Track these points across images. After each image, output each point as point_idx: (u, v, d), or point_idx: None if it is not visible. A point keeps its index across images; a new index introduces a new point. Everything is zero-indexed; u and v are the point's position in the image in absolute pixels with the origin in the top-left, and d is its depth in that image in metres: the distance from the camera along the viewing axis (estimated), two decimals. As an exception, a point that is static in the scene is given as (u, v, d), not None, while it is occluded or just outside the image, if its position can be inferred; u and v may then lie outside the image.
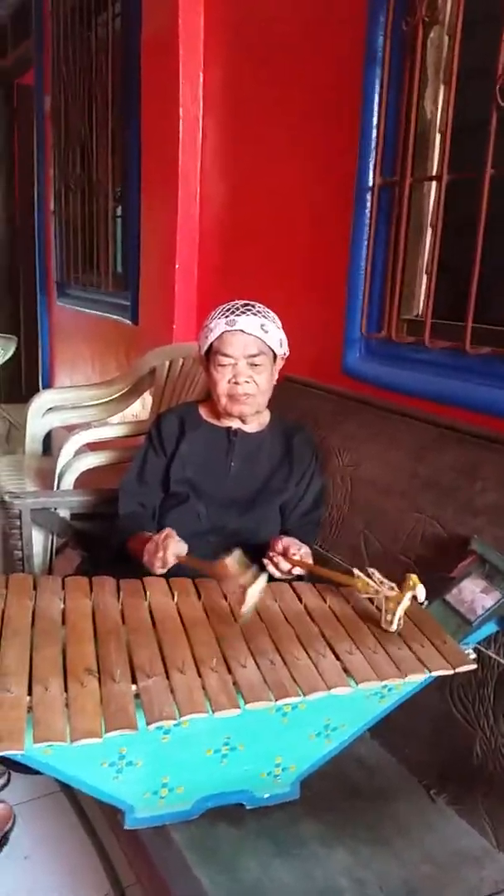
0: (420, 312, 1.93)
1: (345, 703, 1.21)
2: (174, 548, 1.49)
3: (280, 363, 1.79)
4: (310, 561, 1.57)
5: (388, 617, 1.29)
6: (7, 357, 3.52)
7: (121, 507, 1.78)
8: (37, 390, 3.84)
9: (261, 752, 1.27)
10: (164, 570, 1.49)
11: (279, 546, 1.54)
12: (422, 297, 1.94)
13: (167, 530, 1.55)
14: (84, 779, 1.18)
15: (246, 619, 1.28)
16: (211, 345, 1.71)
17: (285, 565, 1.52)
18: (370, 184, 1.94)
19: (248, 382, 1.70)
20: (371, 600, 1.37)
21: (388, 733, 1.49)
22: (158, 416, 1.89)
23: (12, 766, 1.51)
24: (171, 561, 1.48)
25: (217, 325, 1.69)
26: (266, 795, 1.32)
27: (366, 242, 1.97)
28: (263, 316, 1.71)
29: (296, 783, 1.34)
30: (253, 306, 1.72)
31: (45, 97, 4.19)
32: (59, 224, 4.16)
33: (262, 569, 1.42)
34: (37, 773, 1.28)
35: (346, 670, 1.20)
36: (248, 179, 2.54)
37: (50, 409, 2.88)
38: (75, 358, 4.19)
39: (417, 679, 1.21)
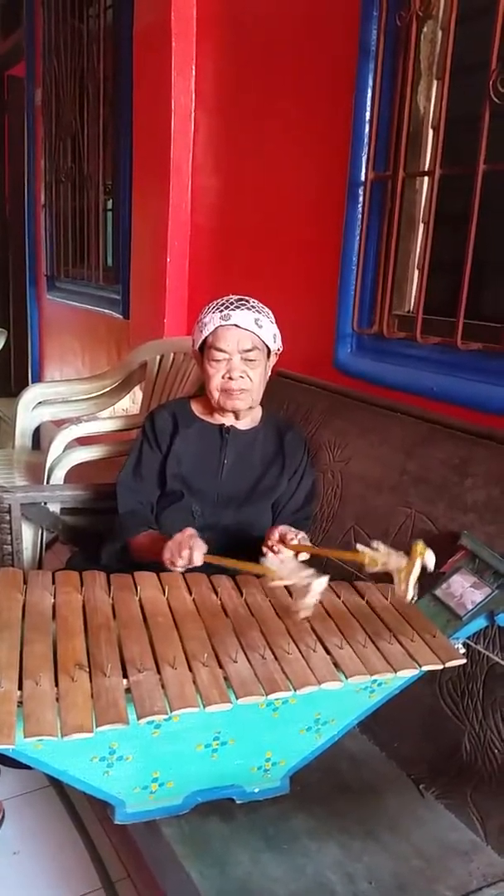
0: (411, 308, 1.93)
1: (335, 698, 1.22)
2: (201, 548, 1.47)
3: (274, 359, 1.79)
4: (309, 545, 1.56)
5: (402, 586, 1.26)
6: (-3, 350, 3.50)
7: (120, 505, 1.76)
8: (26, 384, 3.82)
9: (251, 747, 1.27)
10: (182, 570, 1.48)
11: (276, 534, 1.53)
12: (413, 293, 1.94)
13: (190, 530, 1.52)
14: (74, 773, 1.17)
15: (307, 611, 1.26)
16: (205, 339, 1.71)
17: (287, 552, 1.51)
18: (362, 178, 1.93)
19: (242, 377, 1.70)
20: (360, 593, 1.37)
21: (378, 728, 1.49)
22: (152, 411, 1.89)
23: (2, 760, 1.50)
24: (199, 561, 1.45)
25: (211, 320, 1.69)
26: (256, 790, 1.32)
27: (358, 237, 1.97)
28: (258, 311, 1.71)
29: (286, 778, 1.34)
30: (247, 301, 1.72)
31: (35, 89, 4.16)
32: (50, 217, 4.14)
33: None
34: (26, 767, 1.28)
35: (336, 665, 1.20)
36: (239, 173, 2.53)
37: (39, 403, 2.87)
38: (65, 352, 4.17)
39: (407, 674, 1.21)
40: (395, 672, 1.20)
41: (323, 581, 1.26)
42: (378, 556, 1.29)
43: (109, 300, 3.40)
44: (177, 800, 1.28)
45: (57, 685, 1.11)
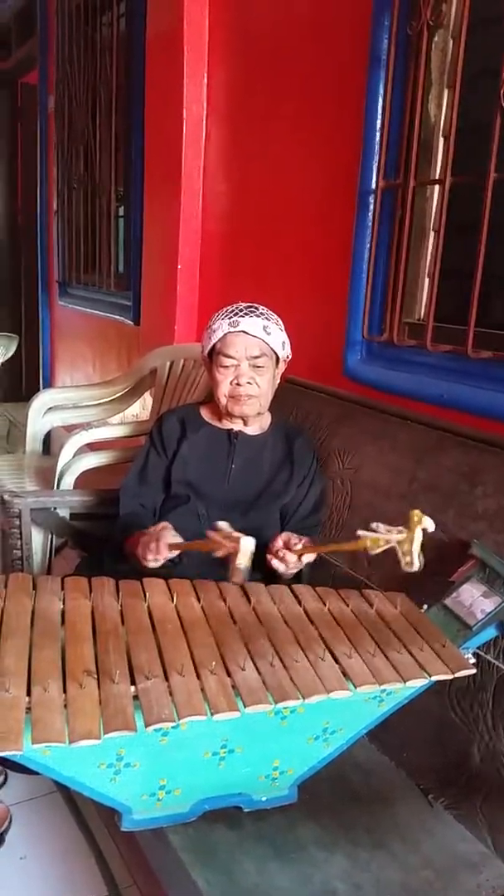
0: (422, 316, 1.93)
1: (343, 707, 1.21)
2: (167, 538, 1.50)
3: (282, 366, 1.79)
4: (311, 546, 1.55)
5: (407, 559, 1.25)
6: (8, 356, 3.51)
7: (122, 508, 1.78)
8: (37, 390, 3.84)
9: (259, 755, 1.27)
10: (158, 564, 1.49)
11: (279, 541, 1.54)
12: (424, 301, 1.94)
13: (163, 523, 1.56)
14: (82, 780, 1.17)
15: (244, 572, 1.28)
16: (214, 346, 1.72)
17: (291, 557, 1.50)
18: (373, 186, 1.93)
19: (249, 384, 1.70)
20: (370, 602, 1.37)
21: (387, 737, 1.49)
22: (160, 416, 1.89)
23: (10, 765, 1.51)
24: (165, 552, 1.48)
25: (220, 327, 1.70)
26: (264, 798, 1.32)
27: (368, 245, 1.97)
28: (266, 318, 1.72)
29: (294, 786, 1.34)
30: (256, 308, 1.72)
31: (48, 96, 4.19)
32: (62, 223, 4.16)
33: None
34: (34, 773, 1.28)
35: (344, 674, 1.19)
36: (251, 181, 2.54)
37: (50, 408, 2.88)
38: (76, 357, 4.19)
39: (416, 683, 1.21)
40: (405, 682, 1.19)
41: (249, 540, 1.30)
42: (379, 536, 1.29)
43: (120, 306, 3.41)
44: (184, 807, 1.27)
45: (65, 692, 1.11)
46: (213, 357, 1.73)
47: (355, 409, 1.88)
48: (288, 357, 1.79)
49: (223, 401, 1.73)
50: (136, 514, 1.76)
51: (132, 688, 1.13)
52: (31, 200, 4.93)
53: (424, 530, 1.25)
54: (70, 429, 2.68)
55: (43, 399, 2.89)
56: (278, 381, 1.80)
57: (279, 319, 1.76)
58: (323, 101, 2.15)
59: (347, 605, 1.41)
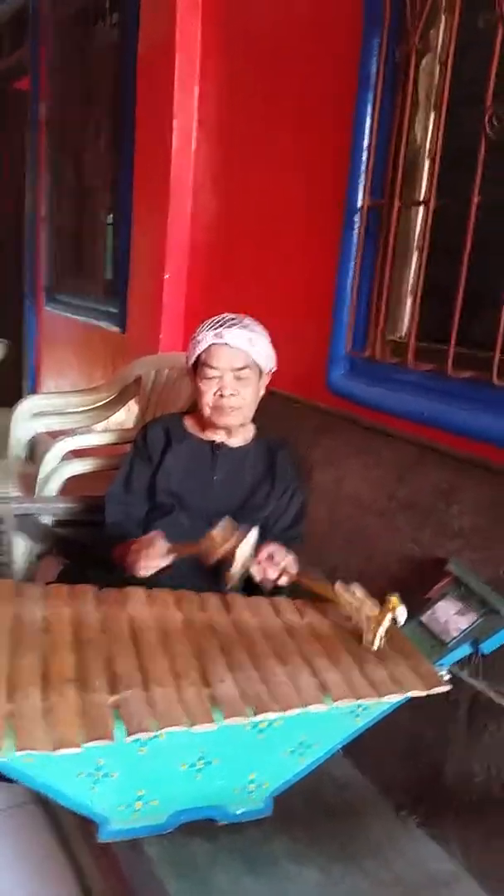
0: (404, 334, 1.96)
1: (320, 721, 1.23)
2: (160, 545, 1.51)
3: (266, 378, 1.81)
4: (294, 569, 1.57)
5: (369, 636, 1.31)
6: (-1, 359, 3.51)
7: (107, 516, 1.79)
8: (21, 395, 3.83)
9: (235, 768, 1.28)
10: (150, 572, 1.51)
11: (265, 553, 1.55)
12: (406, 319, 1.97)
13: (154, 533, 1.57)
14: (60, 789, 1.18)
15: (235, 581, 1.28)
16: (198, 357, 1.73)
17: (272, 573, 1.53)
18: (359, 205, 1.96)
19: (233, 395, 1.72)
20: (349, 617, 1.39)
21: (361, 752, 1.50)
22: (144, 425, 1.91)
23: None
24: (158, 559, 1.50)
25: (205, 338, 1.71)
26: (239, 811, 1.33)
27: (353, 262, 1.99)
28: (251, 330, 1.73)
29: (269, 800, 1.35)
30: (241, 320, 1.74)
31: (39, 103, 4.19)
32: (51, 231, 4.16)
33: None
34: (11, 781, 1.29)
35: (322, 687, 1.21)
36: (239, 194, 2.56)
37: (35, 414, 2.87)
38: (62, 364, 4.19)
39: (392, 699, 1.23)
40: (380, 697, 1.21)
41: (247, 545, 1.28)
42: (353, 601, 1.34)
43: (107, 314, 3.42)
44: (161, 818, 1.28)
45: (45, 699, 1.12)
46: (197, 368, 1.75)
47: (337, 423, 1.90)
48: (272, 369, 1.80)
49: (207, 411, 1.75)
50: (122, 524, 1.77)
51: (112, 697, 1.14)
52: (15, 206, 4.91)
53: (394, 620, 1.29)
54: (54, 435, 2.68)
55: (27, 405, 2.89)
56: (262, 392, 1.81)
57: (265, 332, 1.78)
58: (312, 119, 2.18)
59: (326, 619, 1.43)
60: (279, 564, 1.54)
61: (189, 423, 1.86)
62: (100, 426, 2.88)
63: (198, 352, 1.73)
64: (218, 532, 1.36)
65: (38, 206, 4.33)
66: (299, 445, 1.91)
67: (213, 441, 1.81)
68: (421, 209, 1.89)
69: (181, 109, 2.74)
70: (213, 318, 1.75)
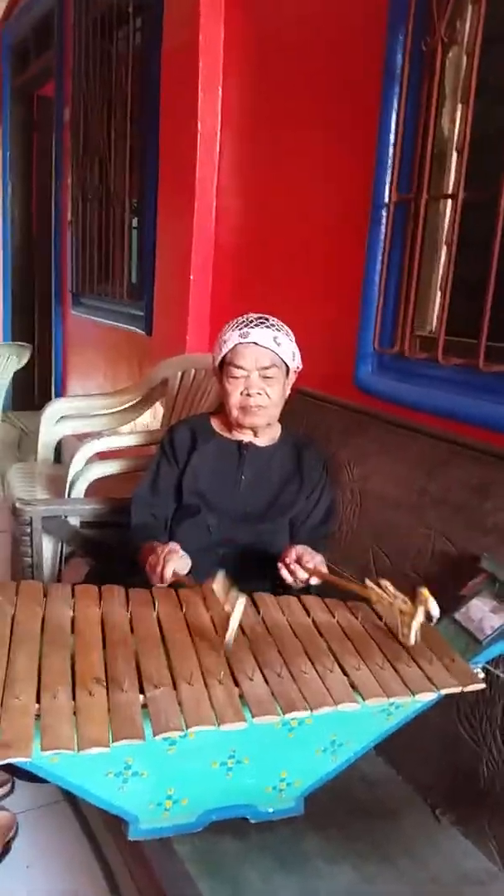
0: (433, 329, 1.93)
1: (351, 720, 1.21)
2: (174, 563, 1.50)
3: (293, 377, 1.80)
4: (324, 569, 1.57)
5: (405, 630, 1.29)
6: (21, 365, 3.54)
7: (133, 517, 1.79)
8: (49, 399, 3.85)
9: (266, 767, 1.26)
10: (163, 585, 1.50)
11: (293, 554, 1.55)
12: (435, 314, 1.94)
13: (171, 544, 1.56)
14: (90, 788, 1.18)
15: (229, 648, 1.26)
16: (224, 357, 1.73)
17: (302, 574, 1.52)
18: (386, 200, 1.94)
19: (259, 394, 1.71)
20: (379, 615, 1.37)
21: (394, 751, 1.48)
22: (171, 427, 1.90)
23: (16, 773, 1.51)
24: (169, 576, 1.49)
25: (231, 338, 1.71)
26: (270, 810, 1.32)
27: (380, 258, 1.98)
28: (277, 329, 1.73)
29: (300, 798, 1.33)
30: (266, 319, 1.73)
31: (64, 108, 4.23)
32: (76, 234, 4.19)
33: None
34: (41, 780, 1.29)
35: (353, 686, 1.19)
36: (264, 193, 2.56)
37: (62, 417, 2.90)
38: (88, 367, 4.21)
39: (425, 697, 1.20)
40: (413, 695, 1.19)
41: (237, 614, 1.24)
42: (385, 596, 1.31)
43: (133, 316, 3.43)
44: (191, 817, 1.27)
45: (74, 699, 1.11)
46: (223, 368, 1.75)
47: (365, 421, 1.88)
48: (298, 368, 1.79)
49: (233, 412, 1.74)
50: (148, 525, 1.77)
51: (141, 696, 1.13)
52: (46, 211, 4.97)
53: (427, 613, 1.27)
54: (81, 438, 2.69)
55: (55, 408, 2.91)
56: (288, 392, 1.80)
57: (290, 331, 1.77)
58: (337, 114, 2.17)
59: (357, 618, 1.41)
60: (308, 564, 1.53)
61: (216, 424, 1.85)
62: (126, 428, 2.89)
63: (224, 352, 1.73)
64: (216, 586, 1.34)
65: (64, 211, 4.37)
66: (327, 444, 1.89)
67: (241, 441, 1.80)
68: (449, 202, 1.87)
69: (205, 111, 2.74)
70: (238, 318, 1.75)
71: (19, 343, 3.65)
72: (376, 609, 1.37)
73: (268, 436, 1.82)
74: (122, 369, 3.68)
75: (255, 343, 1.69)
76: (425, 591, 1.27)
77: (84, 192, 4.06)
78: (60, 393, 4.67)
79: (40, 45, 4.79)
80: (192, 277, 2.85)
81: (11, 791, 1.72)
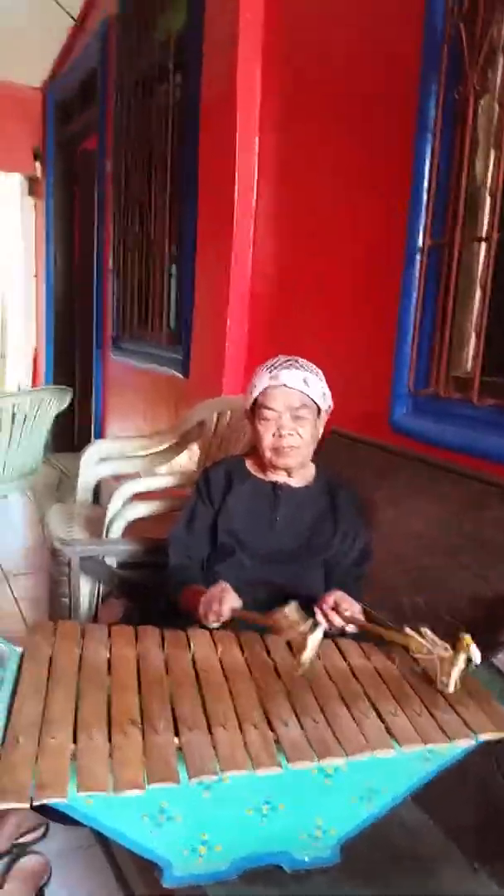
0: (468, 370, 1.94)
1: (388, 766, 1.19)
2: (231, 601, 1.51)
3: (324, 417, 1.81)
4: (360, 617, 1.55)
5: (444, 679, 1.27)
6: (62, 408, 3.62)
7: (170, 558, 1.80)
8: (88, 441, 3.92)
9: (301, 813, 1.24)
10: (219, 624, 1.50)
11: (330, 600, 1.55)
12: (470, 355, 1.95)
13: (223, 584, 1.57)
14: (124, 831, 1.17)
15: (306, 667, 1.27)
16: (256, 400, 1.75)
17: (339, 621, 1.52)
18: (420, 244, 1.97)
19: (291, 435, 1.73)
20: (416, 659, 1.35)
21: (432, 798, 1.44)
22: (206, 468, 1.93)
23: (51, 815, 1.50)
24: (227, 614, 1.49)
25: (261, 381, 1.74)
26: (306, 858, 1.29)
27: (415, 301, 2.00)
28: (306, 370, 1.74)
29: (336, 847, 1.30)
30: (296, 361, 1.76)
31: (106, 161, 4.38)
32: (117, 281, 4.30)
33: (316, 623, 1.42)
34: (75, 823, 1.28)
35: (389, 732, 1.18)
36: (299, 239, 2.61)
37: (101, 459, 2.94)
38: (127, 409, 4.28)
39: (463, 744, 1.18)
40: (451, 741, 1.17)
41: (317, 636, 1.26)
42: (424, 643, 1.30)
43: (171, 360, 3.50)
44: (225, 864, 1.25)
45: (110, 740, 1.12)
46: (255, 410, 1.77)
47: (400, 461, 1.88)
48: (329, 408, 1.81)
49: (267, 453, 1.76)
50: (185, 566, 1.78)
51: (175, 739, 1.13)
52: (88, 259, 5.12)
53: (469, 659, 1.25)
54: (119, 479, 2.72)
55: (94, 450, 2.96)
56: (321, 432, 1.81)
57: (319, 371, 1.79)
58: (371, 162, 2.21)
59: (393, 662, 1.39)
60: (345, 612, 1.52)
61: (250, 465, 1.87)
62: (163, 469, 2.92)
63: (255, 395, 1.75)
64: (290, 611, 1.35)
65: (105, 259, 4.50)
66: (363, 485, 1.89)
67: (275, 482, 1.81)
68: (483, 245, 1.88)
69: (243, 161, 2.82)
70: (267, 362, 1.78)
71: (61, 387, 3.73)
72: (415, 656, 1.35)
73: (302, 476, 1.83)
74: (160, 411, 3.73)
75: (286, 385, 1.71)
76: (467, 638, 1.25)
77: (125, 241, 4.18)
78: (100, 434, 4.75)
79: (84, 101, 5.00)
80: (228, 322, 2.90)
81: (45, 835, 1.71)
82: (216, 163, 2.96)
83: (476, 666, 1.27)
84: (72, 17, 4.52)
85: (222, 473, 1.85)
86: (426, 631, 1.32)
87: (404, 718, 1.21)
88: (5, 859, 1.60)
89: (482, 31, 1.78)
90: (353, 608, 1.54)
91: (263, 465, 1.82)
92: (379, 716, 1.21)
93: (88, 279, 5.01)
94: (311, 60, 2.50)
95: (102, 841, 1.69)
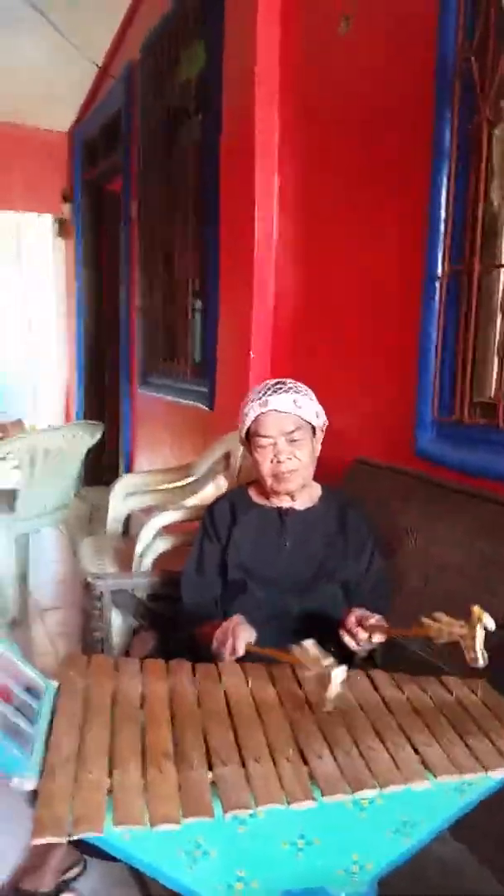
0: (492, 395, 1.94)
1: (423, 798, 1.18)
2: (245, 636, 1.50)
3: (320, 435, 1.78)
4: (384, 624, 1.53)
5: (471, 654, 1.26)
6: (94, 442, 3.67)
7: (184, 597, 1.80)
8: (117, 474, 3.96)
9: (337, 848, 1.23)
10: (233, 658, 1.50)
11: (352, 618, 1.53)
12: (493, 380, 1.95)
13: (236, 618, 1.56)
14: (160, 866, 1.16)
15: (332, 704, 1.26)
16: (249, 429, 1.74)
17: (363, 634, 1.49)
18: (439, 272, 1.99)
19: (289, 459, 1.70)
20: (449, 689, 1.34)
21: (469, 832, 1.42)
22: (211, 504, 1.91)
23: (87, 850, 1.51)
24: (241, 650, 1.49)
25: (251, 410, 1.72)
26: (343, 895, 1.27)
27: (435, 328, 2.01)
28: (295, 391, 1.72)
29: (373, 883, 1.28)
30: (284, 383, 1.74)
31: (131, 203, 4.49)
32: (143, 318, 4.38)
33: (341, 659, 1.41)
34: (111, 857, 1.28)
35: (424, 763, 1.17)
36: (319, 272, 2.64)
37: (129, 493, 2.97)
38: (154, 442, 4.33)
39: (500, 774, 1.16)
40: (487, 771, 1.15)
41: (341, 671, 1.25)
42: (442, 626, 1.30)
43: (196, 393, 3.54)
44: (262, 901, 1.24)
45: (144, 775, 1.12)
46: (250, 439, 1.75)
47: (427, 488, 1.88)
48: (325, 425, 1.78)
49: (267, 480, 1.74)
50: (200, 605, 1.77)
51: (209, 773, 1.13)
52: (114, 297, 5.22)
53: (486, 628, 1.25)
54: (148, 511, 2.75)
55: (124, 483, 2.99)
56: (318, 450, 1.78)
57: (309, 390, 1.77)
58: (389, 192, 2.24)
59: (426, 692, 1.38)
60: (368, 621, 1.50)
61: (253, 494, 1.85)
62: (190, 501, 2.94)
63: (247, 424, 1.74)
64: (309, 646, 1.35)
65: (132, 297, 4.58)
66: (388, 511, 1.89)
67: (280, 507, 1.79)
68: (503, 272, 1.90)
69: (262, 196, 2.87)
70: (255, 388, 1.76)
71: (92, 422, 3.78)
72: (437, 643, 1.33)
73: (306, 497, 1.80)
74: (186, 443, 3.77)
75: (276, 410, 1.69)
76: (477, 609, 1.26)
77: (150, 278, 4.26)
78: (129, 468, 4.80)
79: (109, 144, 5.14)
80: (252, 354, 2.93)
81: (83, 872, 1.71)
82: (236, 200, 3.02)
83: (493, 631, 1.26)
84: (96, 65, 4.66)
85: (227, 506, 1.84)
86: (440, 615, 1.31)
87: (438, 749, 1.20)
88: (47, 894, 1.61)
89: (492, 64, 1.81)
90: (374, 618, 1.52)
91: (266, 492, 1.80)
92: (413, 747, 1.21)
93: (116, 316, 5.10)
94: (327, 95, 2.55)
95: (139, 878, 1.69)
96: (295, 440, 1.71)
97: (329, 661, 1.29)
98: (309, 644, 1.34)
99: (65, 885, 1.66)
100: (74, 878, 1.69)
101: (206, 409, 3.38)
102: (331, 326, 2.58)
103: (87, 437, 3.63)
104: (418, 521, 1.81)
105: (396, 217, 2.21)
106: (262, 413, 1.70)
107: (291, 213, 2.81)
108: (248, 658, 1.49)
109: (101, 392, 5.91)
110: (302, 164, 2.73)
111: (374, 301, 2.33)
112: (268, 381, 1.76)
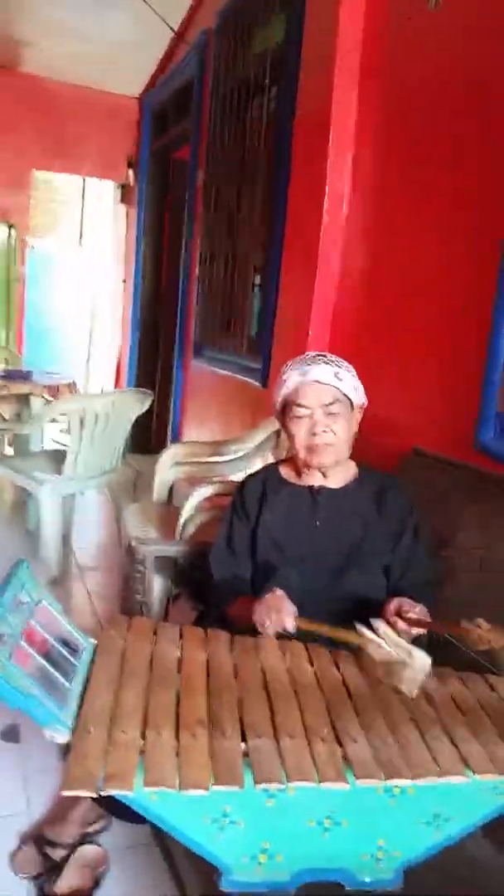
0: None
1: (458, 794, 1.16)
2: (291, 612, 1.46)
3: (358, 413, 1.72)
4: (426, 617, 1.49)
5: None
6: (143, 410, 3.69)
7: (215, 574, 1.75)
8: (164, 443, 3.98)
9: (364, 832, 1.22)
10: (271, 633, 1.46)
11: (392, 606, 1.49)
12: None
13: (279, 591, 1.51)
14: (185, 831, 1.17)
15: (418, 690, 1.25)
16: (286, 397, 1.69)
17: (402, 625, 1.45)
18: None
19: (325, 432, 1.64)
20: (492, 687, 1.32)
21: (502, 831, 1.40)
22: (242, 481, 1.86)
23: (113, 810, 1.53)
24: (291, 626, 1.44)
25: (290, 378, 1.67)
26: (367, 879, 1.26)
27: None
28: (337, 365, 1.67)
29: (399, 871, 1.27)
30: (325, 356, 1.69)
31: (198, 171, 4.46)
32: (202, 289, 4.37)
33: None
34: (135, 820, 1.30)
35: (462, 759, 1.15)
36: (388, 257, 2.58)
37: (176, 462, 2.98)
38: (204, 415, 4.34)
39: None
40: (526, 775, 1.13)
41: (427, 660, 1.23)
42: (482, 633, 1.27)
43: (250, 369, 3.52)
44: (284, 875, 1.24)
45: (177, 739, 1.13)
46: (285, 409, 1.70)
47: (488, 485, 1.83)
48: (363, 404, 1.72)
49: (301, 452, 1.68)
50: (231, 581, 1.73)
51: (243, 744, 1.13)
52: (175, 267, 5.22)
53: None
54: (192, 482, 2.75)
55: (172, 452, 3.00)
56: (356, 428, 1.72)
57: (350, 366, 1.71)
58: (467, 187, 2.17)
59: (468, 689, 1.36)
60: (409, 612, 1.47)
61: (284, 471, 1.79)
62: (238, 476, 2.93)
63: (284, 392, 1.68)
64: (387, 630, 1.30)
65: (192, 266, 4.57)
66: (446, 507, 1.84)
67: (312, 486, 1.73)
68: None
69: (334, 176, 2.81)
70: (296, 358, 1.71)
71: (142, 389, 3.81)
72: (474, 649, 1.31)
73: (340, 476, 1.73)
74: (235, 419, 3.77)
75: (317, 381, 1.63)
76: None
77: (212, 250, 4.24)
78: (177, 438, 4.83)
79: (179, 112, 5.11)
80: (310, 334, 2.90)
81: (106, 828, 1.74)
82: (307, 178, 2.97)
83: None
84: (171, 29, 4.62)
85: (258, 484, 1.79)
86: (480, 621, 1.29)
87: (478, 746, 1.18)
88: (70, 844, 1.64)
89: None
90: (416, 610, 1.48)
91: (298, 470, 1.74)
92: (451, 742, 1.19)
93: (174, 286, 5.11)
94: (410, 81, 2.48)
95: (161, 840, 1.71)
96: (333, 413, 1.65)
97: (411, 648, 1.26)
98: (383, 627, 1.30)
99: (87, 838, 1.68)
100: (98, 833, 1.71)
101: (259, 385, 3.37)
102: (394, 314, 2.53)
103: (136, 404, 3.65)
104: (479, 518, 1.76)
105: (475, 207, 2.14)
106: (302, 382, 1.65)
107: (363, 193, 2.75)
108: (295, 634, 1.46)
109: (153, 361, 5.93)
110: (379, 148, 2.67)
111: (443, 290, 2.27)
112: (308, 353, 1.72)
